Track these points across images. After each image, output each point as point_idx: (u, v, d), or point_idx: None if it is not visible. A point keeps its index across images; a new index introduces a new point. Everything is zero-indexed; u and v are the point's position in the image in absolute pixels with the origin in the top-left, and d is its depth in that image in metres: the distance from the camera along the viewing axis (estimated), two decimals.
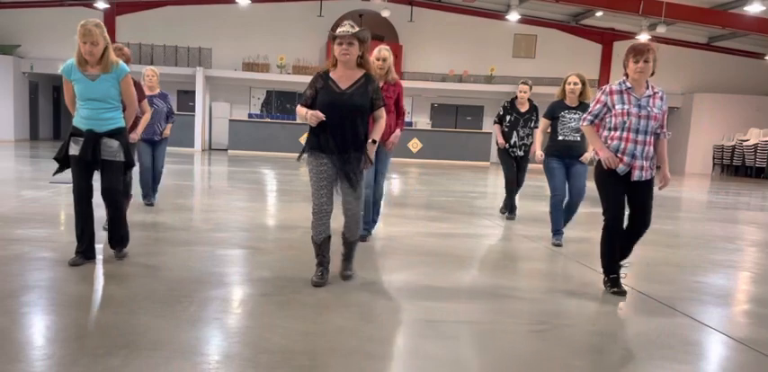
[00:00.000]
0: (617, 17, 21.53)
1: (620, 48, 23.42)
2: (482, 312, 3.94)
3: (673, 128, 24.34)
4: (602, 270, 4.54)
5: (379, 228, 6.71)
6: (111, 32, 22.00)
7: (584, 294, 4.47)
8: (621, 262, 4.54)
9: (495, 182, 15.17)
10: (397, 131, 5.89)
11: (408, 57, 22.79)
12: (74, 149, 4.48)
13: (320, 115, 4.06)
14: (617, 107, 4.30)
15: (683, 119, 23.46)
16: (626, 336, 3.61)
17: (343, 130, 4.15)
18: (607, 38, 23.47)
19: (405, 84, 22.79)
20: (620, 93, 4.31)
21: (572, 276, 5.05)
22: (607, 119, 4.39)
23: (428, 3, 22.99)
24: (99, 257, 4.97)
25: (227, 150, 21.73)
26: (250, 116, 23.04)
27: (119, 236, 4.77)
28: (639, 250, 6.56)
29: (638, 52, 4.21)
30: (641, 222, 4.42)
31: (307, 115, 4.09)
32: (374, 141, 4.27)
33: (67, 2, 21.33)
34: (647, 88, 4.32)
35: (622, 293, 4.38)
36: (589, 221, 8.10)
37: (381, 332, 3.51)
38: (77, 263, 4.49)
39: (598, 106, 4.40)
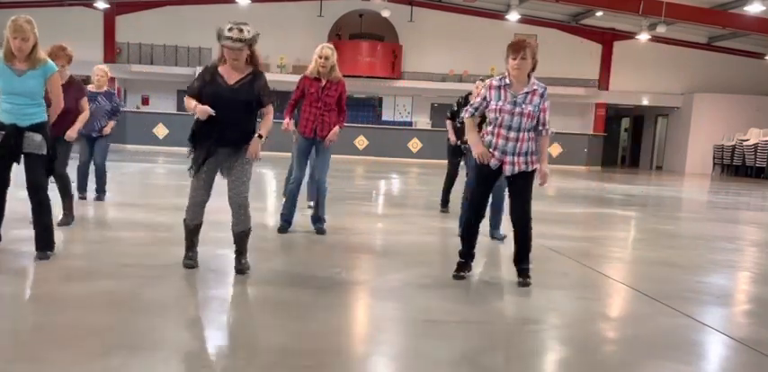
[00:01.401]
0: (617, 17, 21.50)
1: (620, 48, 23.41)
2: (481, 311, 3.94)
3: (673, 128, 24.33)
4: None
5: (378, 228, 6.72)
6: (111, 32, 21.99)
7: (584, 293, 4.47)
8: (525, 264, 4.53)
9: None
10: (336, 128, 5.91)
11: (408, 57, 22.76)
12: None
13: (209, 110, 4.16)
14: (492, 103, 4.32)
15: (683, 119, 23.45)
16: (626, 336, 3.60)
17: (226, 124, 4.25)
18: (607, 38, 23.44)
19: (405, 83, 22.48)
20: (499, 88, 4.33)
21: (571, 275, 5.04)
22: (487, 114, 4.43)
23: (428, 3, 22.95)
24: (100, 257, 4.97)
25: None
26: None
27: (45, 236, 4.62)
28: (640, 250, 6.58)
29: (516, 49, 4.22)
30: (519, 213, 4.44)
31: (196, 108, 4.19)
32: (260, 136, 4.33)
33: (67, 2, 21.30)
34: (528, 85, 4.32)
35: (460, 277, 4.52)
36: (589, 221, 8.11)
37: (381, 331, 3.51)
38: None
39: (478, 100, 4.45)
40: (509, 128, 4.29)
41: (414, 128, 22.97)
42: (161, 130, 20.97)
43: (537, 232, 6.85)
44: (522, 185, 4.41)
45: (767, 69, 23.34)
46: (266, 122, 4.45)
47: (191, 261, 4.55)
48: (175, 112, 22.75)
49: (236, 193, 4.38)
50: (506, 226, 7.14)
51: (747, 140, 21.14)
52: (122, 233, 5.88)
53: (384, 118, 23.60)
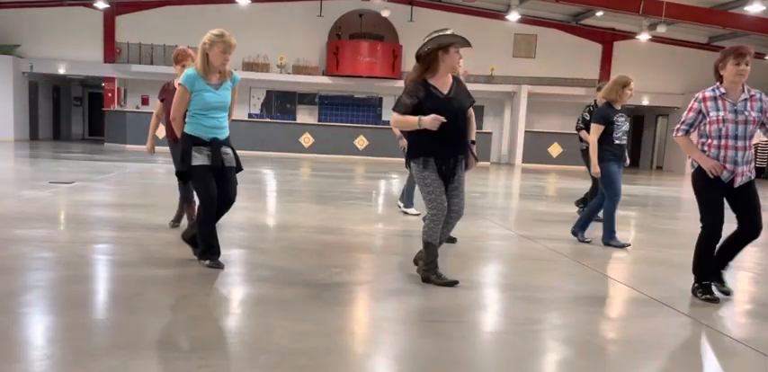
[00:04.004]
0: (617, 17, 21.50)
1: (620, 48, 23.40)
2: (482, 312, 3.94)
3: (673, 127, 24.35)
4: (694, 277, 4.34)
5: (379, 228, 6.72)
6: (111, 32, 21.99)
7: (585, 294, 4.46)
8: (725, 268, 4.41)
9: (496, 182, 15.17)
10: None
11: (408, 57, 22.74)
12: (200, 159, 4.46)
13: (440, 117, 4.05)
14: (711, 114, 4.17)
15: None
16: (626, 336, 3.60)
17: (454, 133, 4.23)
18: (607, 38, 23.44)
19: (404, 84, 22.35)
20: (714, 99, 4.21)
21: (572, 276, 5.05)
22: (702, 127, 4.26)
23: (428, 3, 22.96)
24: (100, 258, 4.98)
25: None
26: (250, 116, 23.04)
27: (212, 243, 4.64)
28: (640, 250, 6.58)
29: (740, 55, 4.13)
30: (752, 224, 4.21)
31: (422, 121, 4.07)
32: (473, 142, 4.43)
33: (67, 2, 21.29)
34: (743, 92, 4.21)
35: (715, 300, 4.19)
36: None
37: (381, 331, 3.51)
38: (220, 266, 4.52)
39: (692, 114, 4.27)
40: (736, 138, 4.14)
41: None
42: (161, 131, 20.94)
43: (537, 233, 6.87)
44: (751, 192, 4.22)
45: (767, 69, 23.37)
46: (472, 126, 4.47)
47: (444, 279, 4.36)
48: None
49: (460, 201, 4.37)
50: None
51: None
52: (122, 233, 5.88)
53: (384, 118, 23.61)
